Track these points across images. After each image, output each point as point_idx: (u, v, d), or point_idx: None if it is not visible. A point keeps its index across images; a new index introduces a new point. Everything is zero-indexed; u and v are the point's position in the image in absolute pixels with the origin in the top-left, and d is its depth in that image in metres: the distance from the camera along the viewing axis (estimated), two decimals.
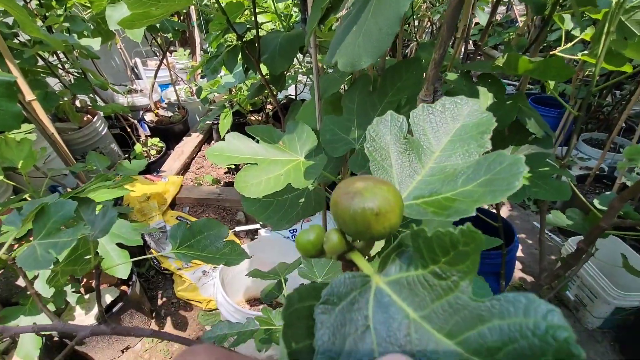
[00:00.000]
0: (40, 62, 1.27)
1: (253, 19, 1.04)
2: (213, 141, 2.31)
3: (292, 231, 1.35)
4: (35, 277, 0.70)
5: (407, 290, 0.16)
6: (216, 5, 0.87)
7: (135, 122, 1.93)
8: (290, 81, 1.58)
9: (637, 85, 1.82)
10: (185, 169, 2.01)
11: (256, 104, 1.91)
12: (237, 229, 1.33)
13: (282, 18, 1.13)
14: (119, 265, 0.64)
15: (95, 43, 1.19)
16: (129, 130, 1.91)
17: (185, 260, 0.38)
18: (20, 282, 1.18)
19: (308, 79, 2.07)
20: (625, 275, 1.08)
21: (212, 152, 0.56)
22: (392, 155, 0.22)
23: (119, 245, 0.69)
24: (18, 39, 1.18)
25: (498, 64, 0.66)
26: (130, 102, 2.29)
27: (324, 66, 1.10)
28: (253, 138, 0.60)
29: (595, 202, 0.90)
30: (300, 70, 1.76)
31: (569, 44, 0.90)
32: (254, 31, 1.12)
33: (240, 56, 1.08)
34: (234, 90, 1.84)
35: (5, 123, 0.62)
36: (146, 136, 2.06)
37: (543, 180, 0.68)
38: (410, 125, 0.23)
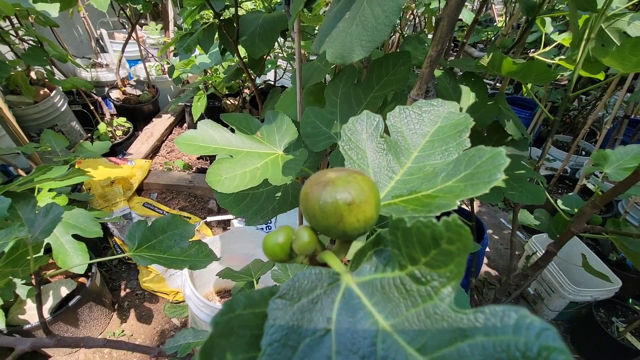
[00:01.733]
0: None
1: None
2: (185, 124, 2.20)
3: (269, 223, 1.32)
4: None
5: (379, 293, 0.14)
6: None
7: (100, 99, 1.79)
8: (269, 66, 1.51)
9: (602, 92, 1.91)
10: (154, 152, 1.90)
11: (233, 88, 1.83)
12: (209, 218, 1.28)
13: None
14: (75, 259, 0.59)
15: (53, 9, 1.07)
16: (92, 107, 1.77)
17: (144, 263, 0.35)
18: None
19: (289, 65, 2.00)
20: (579, 271, 1.15)
21: (182, 141, 0.51)
22: (368, 154, 0.21)
23: (75, 236, 0.62)
24: None
25: (482, 64, 0.65)
26: (94, 77, 2.12)
27: (306, 53, 1.05)
28: (228, 127, 0.56)
29: (559, 202, 0.93)
30: (280, 55, 1.69)
31: (548, 48, 0.91)
32: (232, 9, 1.05)
33: (216, 36, 1.01)
34: (209, 71, 1.74)
35: None
36: (112, 115, 1.93)
37: (519, 182, 0.69)
38: (387, 125, 0.22)
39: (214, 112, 1.93)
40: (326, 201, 0.14)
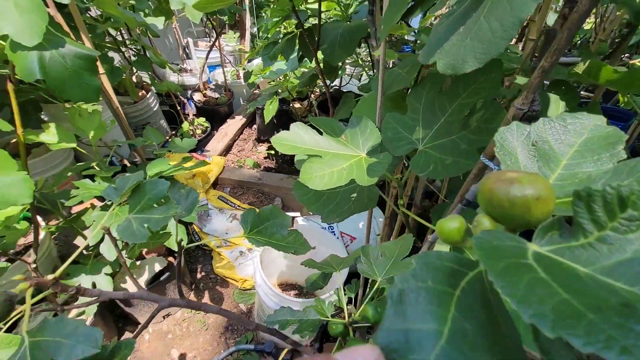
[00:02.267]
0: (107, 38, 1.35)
1: (306, 7, 1.03)
2: (255, 125, 2.36)
3: (332, 225, 1.36)
4: (100, 241, 0.76)
5: (568, 254, 0.15)
6: None
7: (185, 100, 2.00)
8: (339, 72, 1.56)
9: None
10: (227, 150, 2.07)
11: (302, 93, 1.91)
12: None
13: (342, 8, 1.12)
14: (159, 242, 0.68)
15: (159, 22, 1.24)
16: (178, 108, 1.98)
17: (257, 244, 0.40)
18: (77, 241, 1.28)
19: (354, 71, 2.04)
20: None
21: (277, 140, 0.57)
22: (520, 160, 0.23)
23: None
24: (89, 14, 1.25)
25: (577, 71, 0.62)
26: (180, 81, 2.37)
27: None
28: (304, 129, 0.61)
29: None
30: (348, 61, 1.74)
31: None
32: (311, 19, 1.12)
33: (297, 44, 1.08)
34: (280, 77, 1.85)
35: (87, 95, 0.66)
36: (193, 115, 2.14)
37: None
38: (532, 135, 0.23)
39: (282, 115, 2.04)
40: (515, 195, 0.17)
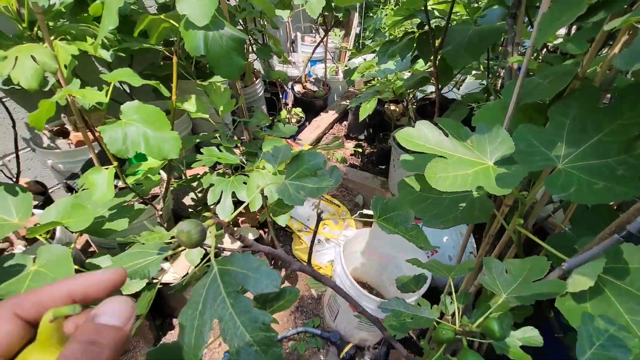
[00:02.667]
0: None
1: (432, 7, 1.00)
2: (345, 122, 2.40)
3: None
4: (217, 203, 0.86)
5: None
6: None
7: (289, 90, 2.13)
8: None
9: None
10: (317, 141, 2.15)
11: (402, 95, 1.89)
12: (365, 211, 1.38)
13: (470, 10, 1.06)
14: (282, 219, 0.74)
15: (285, 14, 1.34)
16: (280, 96, 2.12)
17: (387, 231, 0.41)
18: (185, 200, 1.46)
19: (460, 78, 1.93)
20: None
21: (402, 136, 0.57)
22: None
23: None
24: (228, 3, 1.41)
25: None
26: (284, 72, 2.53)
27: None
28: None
29: None
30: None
31: None
32: (433, 21, 1.08)
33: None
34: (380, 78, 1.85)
35: (232, 73, 0.74)
36: (291, 105, 2.27)
37: None
38: None
39: (375, 115, 2.04)
40: None
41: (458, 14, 1.23)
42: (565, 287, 0.36)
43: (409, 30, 1.08)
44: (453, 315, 0.50)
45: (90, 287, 0.21)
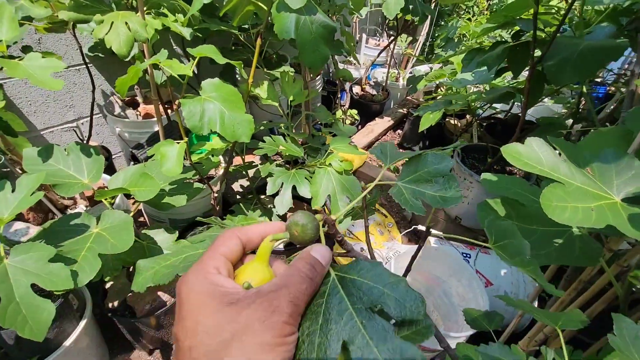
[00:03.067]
0: None
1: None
2: (399, 130, 2.31)
3: (466, 255, 1.22)
4: (274, 195, 0.83)
5: None
6: None
7: (348, 90, 2.09)
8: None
9: None
10: (369, 146, 2.08)
11: (470, 110, 1.77)
12: (420, 227, 1.30)
13: (575, 25, 0.95)
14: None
15: (364, 11, 1.30)
16: (338, 96, 2.08)
17: (506, 262, 0.35)
18: (234, 185, 1.46)
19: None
20: None
21: (509, 152, 0.50)
22: None
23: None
24: None
25: None
26: None
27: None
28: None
29: None
30: None
31: None
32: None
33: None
34: (454, 88, 1.75)
35: (316, 62, 0.70)
36: (347, 106, 2.22)
37: None
38: None
39: (434, 127, 1.94)
40: None
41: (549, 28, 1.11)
42: None
43: (501, 40, 0.99)
44: None
45: (268, 232, 0.28)
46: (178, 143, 0.70)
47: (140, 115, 1.33)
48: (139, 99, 1.36)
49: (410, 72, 2.29)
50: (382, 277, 0.22)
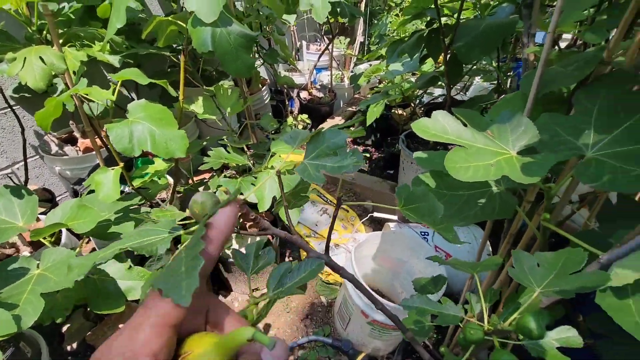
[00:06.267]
0: None
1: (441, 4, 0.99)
2: (352, 128, 2.38)
3: (424, 233, 1.28)
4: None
5: None
6: None
7: (295, 96, 2.13)
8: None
9: None
10: None
11: (409, 99, 1.87)
12: (376, 214, 1.34)
13: (480, 7, 1.05)
14: (293, 214, 0.71)
15: (291, 18, 1.34)
16: (287, 103, 2.12)
17: (411, 219, 0.38)
18: None
19: (468, 80, 1.91)
20: None
21: (417, 127, 0.55)
22: None
23: None
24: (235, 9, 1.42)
25: None
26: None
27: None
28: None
29: None
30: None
31: None
32: (442, 19, 1.07)
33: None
34: (388, 81, 1.84)
35: (241, 70, 0.73)
36: (297, 112, 2.27)
37: None
38: None
39: (381, 120, 2.02)
40: None
41: (465, 13, 1.21)
42: (609, 278, 0.33)
43: (417, 29, 1.07)
44: (479, 316, 0.46)
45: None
46: (113, 169, 0.69)
47: (80, 150, 1.28)
48: (77, 134, 1.31)
49: (352, 72, 2.38)
50: None
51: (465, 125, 0.55)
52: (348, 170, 0.31)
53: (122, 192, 1.15)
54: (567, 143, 0.52)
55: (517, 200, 0.61)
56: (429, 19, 1.03)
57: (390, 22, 2.31)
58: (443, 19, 1.10)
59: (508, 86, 1.03)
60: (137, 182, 0.86)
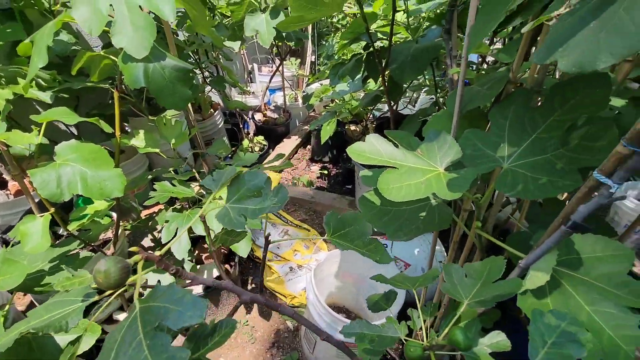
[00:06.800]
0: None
1: (375, 29, 1.05)
2: (309, 145, 2.41)
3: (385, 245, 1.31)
4: (169, 241, 0.80)
5: None
6: (357, 12, 0.91)
7: (249, 119, 2.13)
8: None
9: None
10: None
11: (359, 115, 1.94)
12: None
13: (410, 31, 1.13)
14: (242, 244, 0.70)
15: (235, 45, 1.36)
16: (241, 126, 2.10)
17: (341, 248, 0.39)
18: (144, 242, 1.36)
19: (414, 94, 2.03)
20: None
21: (353, 151, 0.57)
22: None
23: None
24: (176, 37, 1.40)
25: None
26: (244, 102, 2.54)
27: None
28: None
29: None
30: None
31: None
32: (378, 42, 1.14)
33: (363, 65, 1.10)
34: (337, 99, 1.90)
35: (178, 103, 0.72)
36: (252, 134, 2.26)
37: None
38: None
39: (336, 136, 2.07)
40: None
41: (400, 35, 1.30)
42: (521, 284, 0.36)
43: (356, 52, 1.12)
44: (424, 330, 0.48)
45: None
46: (42, 216, 0.64)
47: (10, 194, 1.18)
48: (6, 176, 1.20)
49: (304, 92, 2.43)
50: (171, 295, 0.24)
51: (396, 146, 0.58)
52: (269, 211, 0.32)
53: (60, 235, 1.07)
54: (487, 156, 0.56)
55: (452, 211, 0.65)
56: (364, 43, 1.09)
57: (337, 42, 2.41)
58: (379, 43, 1.17)
59: (442, 101, 1.10)
60: (74, 225, 0.81)
